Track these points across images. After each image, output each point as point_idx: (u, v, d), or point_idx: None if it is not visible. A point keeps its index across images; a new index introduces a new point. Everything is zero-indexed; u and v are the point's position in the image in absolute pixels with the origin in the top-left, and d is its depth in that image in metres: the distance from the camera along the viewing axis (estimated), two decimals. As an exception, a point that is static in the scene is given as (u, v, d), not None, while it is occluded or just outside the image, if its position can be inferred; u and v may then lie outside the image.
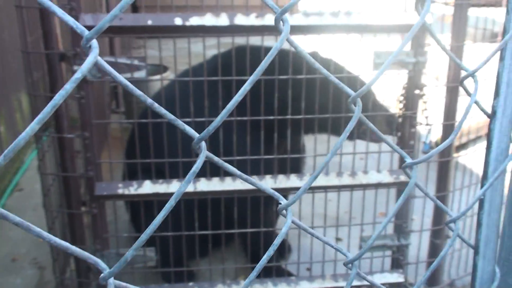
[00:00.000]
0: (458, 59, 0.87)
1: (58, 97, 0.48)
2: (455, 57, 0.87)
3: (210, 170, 2.44)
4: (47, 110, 0.47)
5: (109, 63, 2.51)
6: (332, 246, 0.85)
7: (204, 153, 0.64)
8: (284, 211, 0.76)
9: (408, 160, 0.90)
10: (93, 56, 0.54)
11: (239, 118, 2.35)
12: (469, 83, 0.91)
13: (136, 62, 2.18)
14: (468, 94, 0.91)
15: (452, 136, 0.87)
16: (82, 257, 0.57)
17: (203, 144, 0.64)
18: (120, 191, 2.42)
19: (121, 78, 0.56)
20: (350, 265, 0.88)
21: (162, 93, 2.60)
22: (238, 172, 0.68)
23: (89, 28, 1.97)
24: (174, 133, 2.46)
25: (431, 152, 0.83)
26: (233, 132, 2.42)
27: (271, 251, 0.70)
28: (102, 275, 0.60)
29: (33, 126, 0.46)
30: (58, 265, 2.52)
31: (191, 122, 2.48)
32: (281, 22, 0.69)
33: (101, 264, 0.60)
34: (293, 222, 0.76)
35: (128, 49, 6.87)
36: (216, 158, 0.66)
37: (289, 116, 2.41)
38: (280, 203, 0.75)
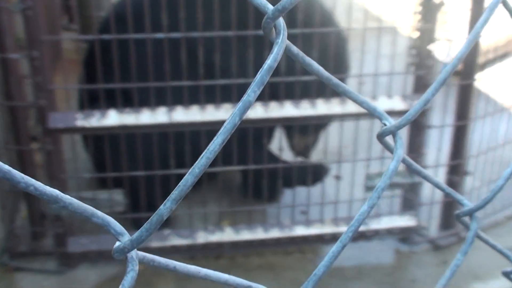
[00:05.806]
0: None
1: None
2: None
3: (189, 96, 2.03)
4: None
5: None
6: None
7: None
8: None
9: (467, 205, 0.68)
10: None
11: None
12: None
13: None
14: None
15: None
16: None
17: None
18: (79, 123, 2.03)
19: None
20: (467, 218, 0.66)
21: (128, 2, 2.13)
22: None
23: None
24: (143, 51, 2.03)
25: None
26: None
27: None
28: (118, 245, 0.41)
29: None
30: (7, 213, 2.13)
31: (163, 39, 2.04)
32: None
33: (117, 227, 0.42)
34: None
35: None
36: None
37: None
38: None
